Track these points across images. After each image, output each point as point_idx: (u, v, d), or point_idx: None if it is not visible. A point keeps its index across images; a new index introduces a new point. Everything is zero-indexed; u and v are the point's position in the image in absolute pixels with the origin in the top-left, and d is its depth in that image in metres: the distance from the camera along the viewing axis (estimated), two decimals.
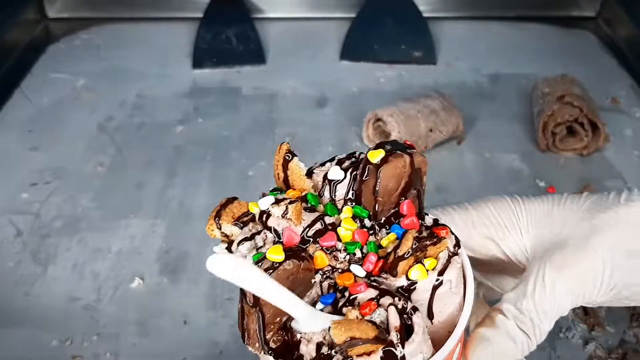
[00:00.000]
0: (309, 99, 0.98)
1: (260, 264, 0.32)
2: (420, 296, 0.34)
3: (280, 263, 0.31)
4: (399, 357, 0.30)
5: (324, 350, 0.31)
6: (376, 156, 0.35)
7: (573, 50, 1.08)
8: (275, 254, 0.32)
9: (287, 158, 0.37)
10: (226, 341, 0.62)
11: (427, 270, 0.34)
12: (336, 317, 0.32)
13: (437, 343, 0.35)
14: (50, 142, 0.89)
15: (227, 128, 0.92)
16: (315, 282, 0.35)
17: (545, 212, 0.42)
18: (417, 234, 0.33)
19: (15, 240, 0.74)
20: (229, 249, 0.36)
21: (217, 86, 1.01)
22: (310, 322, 0.31)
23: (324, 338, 0.31)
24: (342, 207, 0.37)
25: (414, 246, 0.32)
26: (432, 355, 0.33)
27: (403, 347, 0.31)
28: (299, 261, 0.32)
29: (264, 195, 0.38)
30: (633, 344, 0.60)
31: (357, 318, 0.31)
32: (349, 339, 0.29)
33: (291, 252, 0.32)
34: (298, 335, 0.32)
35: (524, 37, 1.12)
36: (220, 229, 0.36)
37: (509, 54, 1.07)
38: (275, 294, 0.30)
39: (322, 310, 0.33)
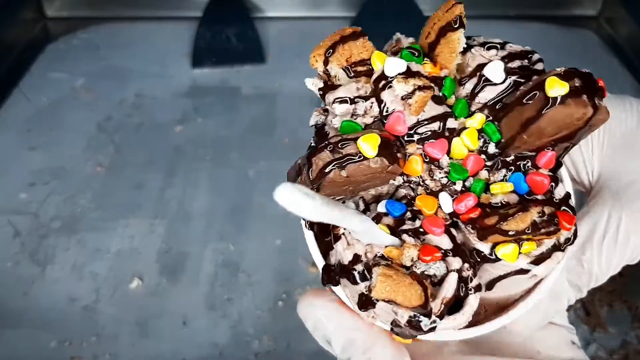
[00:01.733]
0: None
1: (343, 143, 0.26)
2: (493, 270, 0.29)
3: (367, 158, 0.26)
4: (424, 328, 0.26)
5: (358, 267, 0.26)
6: (556, 87, 0.26)
7: (574, 49, 1.07)
8: (368, 144, 0.26)
9: (453, 24, 0.29)
10: (226, 342, 0.62)
11: (520, 254, 0.27)
12: (390, 240, 0.27)
13: (480, 307, 0.30)
14: (49, 142, 0.89)
15: (227, 128, 0.91)
16: (393, 183, 0.29)
17: (625, 130, 0.34)
18: (539, 214, 0.26)
19: (14, 240, 0.74)
20: (323, 94, 0.30)
21: (217, 86, 1.01)
22: (362, 229, 0.26)
23: (365, 254, 0.27)
24: (475, 111, 0.29)
25: (527, 230, 0.26)
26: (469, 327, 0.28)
27: (439, 319, 0.26)
28: (390, 162, 0.26)
29: (398, 42, 0.30)
30: (635, 344, 0.60)
31: (414, 263, 0.26)
32: (387, 300, 0.25)
33: (386, 145, 0.26)
34: (341, 230, 0.28)
35: (525, 36, 1.11)
36: (326, 65, 0.29)
37: None
38: (339, 221, 0.25)
39: (382, 216, 0.28)
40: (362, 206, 0.29)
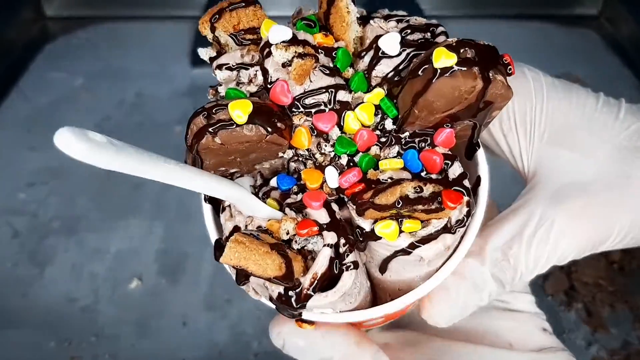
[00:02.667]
0: None
1: (217, 109, 0.26)
2: (377, 248, 0.28)
3: (239, 125, 0.25)
4: (294, 303, 0.25)
5: (234, 237, 0.25)
6: (442, 59, 0.24)
7: (575, 48, 1.07)
8: (239, 110, 0.25)
9: None
10: (225, 342, 0.62)
11: (401, 232, 0.26)
12: (268, 212, 0.27)
13: (384, 293, 0.30)
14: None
15: None
16: (283, 156, 0.28)
17: (569, 123, 0.32)
18: (415, 189, 0.25)
19: (13, 241, 0.73)
20: (213, 60, 0.29)
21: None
22: (238, 201, 0.27)
23: (246, 226, 0.27)
24: (374, 87, 0.28)
25: (397, 204, 0.25)
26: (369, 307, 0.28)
27: (311, 294, 0.25)
28: (267, 131, 0.25)
29: (299, 13, 0.30)
30: (636, 345, 0.60)
31: (293, 238, 0.26)
32: (235, 266, 0.24)
33: (263, 113, 0.25)
34: (226, 202, 0.28)
35: (526, 35, 1.11)
36: (213, 31, 0.29)
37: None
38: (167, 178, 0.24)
39: (272, 190, 0.28)
40: (259, 180, 0.29)
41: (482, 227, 0.32)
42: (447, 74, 0.25)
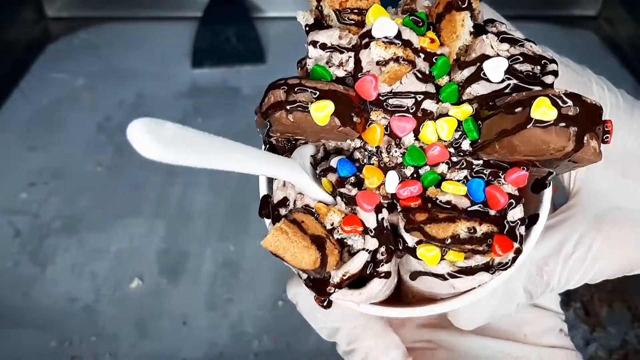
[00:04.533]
0: None
1: (299, 88, 0.25)
2: (413, 262, 0.28)
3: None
4: (318, 292, 0.26)
5: (281, 211, 0.27)
6: (542, 109, 0.23)
7: (574, 49, 1.07)
8: (322, 112, 0.24)
9: (461, 3, 0.26)
10: (226, 342, 0.62)
11: (442, 260, 0.26)
12: (322, 196, 0.27)
13: (409, 292, 0.31)
14: (49, 142, 0.89)
15: (227, 128, 0.91)
16: (350, 143, 0.28)
17: (627, 151, 0.32)
18: (469, 230, 0.25)
19: (14, 240, 0.74)
20: (311, 28, 0.28)
21: (217, 86, 1.01)
22: (303, 180, 0.27)
23: (294, 201, 0.27)
24: (465, 101, 0.27)
25: (446, 241, 0.25)
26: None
27: (337, 289, 0.26)
28: (341, 124, 0.25)
29: (410, 5, 0.28)
30: (634, 344, 0.60)
31: (335, 229, 0.27)
32: (274, 254, 0.25)
33: (343, 105, 0.25)
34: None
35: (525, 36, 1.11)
36: (319, 1, 0.27)
37: None
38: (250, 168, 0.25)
39: (331, 171, 0.28)
40: (321, 153, 0.29)
41: None
42: (541, 125, 0.23)
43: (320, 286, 0.26)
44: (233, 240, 0.73)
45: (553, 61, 0.27)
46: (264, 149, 0.31)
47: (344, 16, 0.27)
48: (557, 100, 0.23)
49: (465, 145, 0.27)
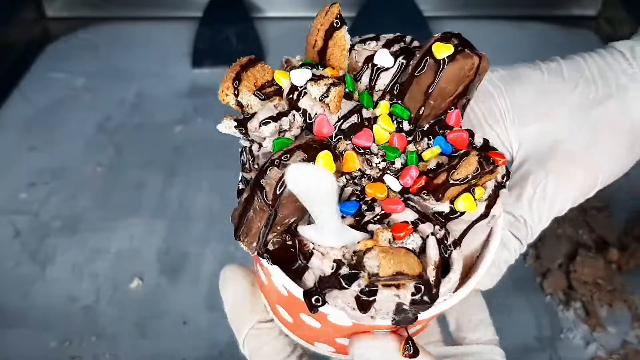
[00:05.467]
0: None
1: (286, 156, 0.26)
2: (457, 226, 0.29)
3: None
4: (429, 301, 0.26)
5: (343, 271, 0.26)
6: (442, 51, 0.29)
7: (574, 49, 1.06)
8: (323, 160, 0.26)
9: (336, 24, 0.30)
10: (226, 342, 0.62)
11: (476, 201, 0.28)
12: (362, 235, 0.27)
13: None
14: (49, 142, 0.89)
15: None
16: (337, 184, 0.29)
17: (531, 102, 0.37)
18: (478, 156, 0.27)
19: (14, 240, 0.74)
20: (240, 125, 0.30)
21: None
22: (332, 233, 0.26)
23: (344, 256, 0.26)
24: (378, 100, 0.31)
25: (476, 170, 0.27)
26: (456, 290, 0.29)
27: (438, 286, 0.26)
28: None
29: (288, 62, 0.32)
30: (635, 344, 0.60)
31: (391, 244, 0.27)
32: (395, 273, 0.25)
33: (315, 141, 0.27)
34: (310, 245, 0.27)
35: (524, 36, 1.11)
36: (237, 95, 0.30)
37: (510, 54, 1.06)
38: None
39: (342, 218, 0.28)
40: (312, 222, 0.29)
41: None
42: (451, 61, 0.29)
43: (426, 294, 0.26)
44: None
45: (406, 35, 0.33)
46: (259, 269, 0.31)
47: (263, 93, 0.29)
48: (445, 40, 0.29)
49: (406, 125, 0.31)
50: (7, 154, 0.87)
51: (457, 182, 0.27)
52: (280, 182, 0.25)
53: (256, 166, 0.30)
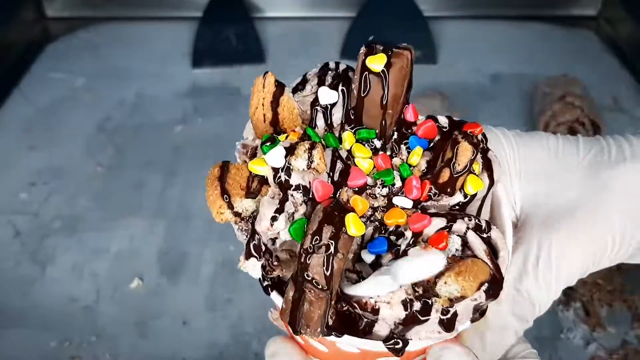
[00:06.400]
0: None
1: (318, 238, 0.25)
2: (472, 207, 0.30)
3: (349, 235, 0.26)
4: (503, 286, 0.27)
5: (416, 307, 0.26)
6: (379, 62, 0.29)
7: (574, 49, 1.07)
8: (355, 225, 0.26)
9: (279, 89, 0.30)
10: (226, 342, 0.62)
11: (478, 176, 0.29)
12: (419, 262, 0.27)
13: None
14: (49, 142, 0.89)
15: (227, 128, 0.91)
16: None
17: (541, 162, 0.36)
18: (461, 136, 0.29)
19: (14, 240, 0.74)
20: (253, 235, 0.29)
21: (217, 86, 1.01)
22: (377, 283, 0.26)
23: (407, 293, 0.26)
24: (341, 134, 0.31)
25: (473, 153, 0.28)
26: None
27: (500, 271, 0.27)
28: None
29: (245, 147, 0.31)
30: (635, 344, 0.60)
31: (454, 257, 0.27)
32: (479, 286, 0.25)
33: (335, 212, 0.27)
34: (371, 301, 0.27)
35: (524, 36, 1.11)
36: (232, 208, 0.29)
37: (509, 54, 1.07)
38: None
39: (376, 259, 0.28)
40: (354, 277, 0.29)
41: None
42: (391, 67, 0.29)
43: (497, 282, 0.27)
44: (233, 240, 0.73)
45: (327, 63, 0.34)
46: (313, 342, 0.31)
47: (252, 194, 0.29)
48: (371, 52, 0.30)
49: (378, 143, 0.31)
50: (7, 154, 0.87)
51: (462, 172, 0.28)
52: (328, 264, 0.25)
53: (276, 262, 0.30)
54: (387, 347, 0.27)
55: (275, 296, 0.30)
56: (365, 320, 0.27)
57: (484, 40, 1.11)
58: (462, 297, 0.25)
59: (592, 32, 1.13)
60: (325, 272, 0.25)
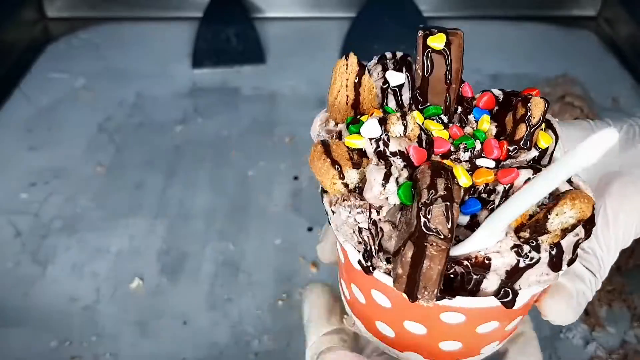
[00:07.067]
0: (309, 98, 0.98)
1: (433, 194, 0.26)
2: (545, 161, 0.32)
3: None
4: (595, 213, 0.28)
5: (526, 249, 0.27)
6: (439, 41, 0.31)
7: (574, 50, 1.08)
8: (462, 174, 0.28)
9: (362, 69, 0.32)
10: (226, 342, 0.62)
11: (546, 131, 0.31)
12: (512, 207, 0.26)
13: None
14: (49, 142, 0.89)
15: (227, 128, 0.91)
16: None
17: (579, 139, 0.36)
18: (531, 96, 0.30)
19: (15, 240, 0.74)
20: (361, 201, 0.29)
21: (217, 86, 1.01)
22: (483, 236, 0.27)
23: (516, 237, 0.27)
24: (409, 114, 0.32)
25: (544, 108, 0.30)
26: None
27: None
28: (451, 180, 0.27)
29: (329, 132, 0.32)
30: (634, 344, 0.60)
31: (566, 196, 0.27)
32: (593, 206, 0.26)
33: (435, 165, 0.28)
34: (481, 255, 0.28)
35: (524, 36, 1.11)
36: (343, 178, 0.29)
37: (509, 54, 1.07)
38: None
39: (471, 219, 0.29)
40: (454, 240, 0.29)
41: None
42: (450, 44, 0.31)
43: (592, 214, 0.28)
44: (233, 240, 0.73)
45: (395, 52, 0.35)
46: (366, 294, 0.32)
47: (356, 163, 0.29)
48: (431, 33, 0.31)
49: (445, 119, 0.33)
50: (7, 154, 0.87)
51: (537, 124, 0.29)
52: (448, 213, 0.26)
53: (381, 234, 0.30)
54: (500, 301, 0.28)
55: (379, 274, 0.30)
56: (475, 277, 0.28)
57: (484, 40, 1.11)
58: (579, 222, 0.26)
59: (592, 32, 1.13)
60: (447, 221, 0.26)
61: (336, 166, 0.28)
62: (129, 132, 0.91)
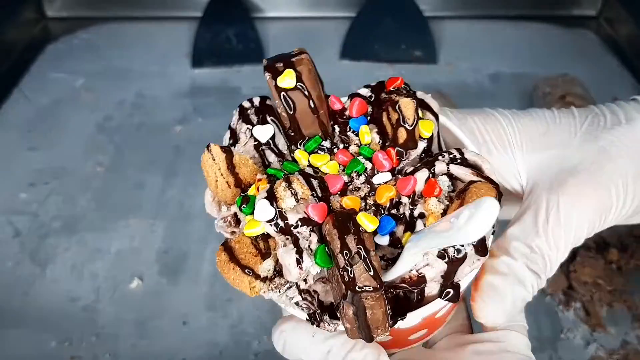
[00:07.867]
0: None
1: (354, 257, 0.26)
2: (434, 146, 0.33)
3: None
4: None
5: (451, 251, 0.28)
6: (290, 78, 0.32)
7: (574, 49, 1.07)
8: (367, 220, 0.28)
9: (228, 158, 0.32)
10: (226, 342, 0.62)
11: (424, 118, 0.32)
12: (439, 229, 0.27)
13: None
14: (49, 142, 0.89)
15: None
16: None
17: (541, 132, 0.38)
18: (404, 97, 0.31)
19: (14, 240, 0.74)
20: (300, 295, 0.30)
21: (217, 86, 1.01)
22: (409, 257, 0.28)
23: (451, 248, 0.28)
24: (292, 157, 0.33)
25: (415, 106, 0.30)
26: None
27: (494, 181, 0.30)
28: (353, 227, 0.28)
29: (225, 220, 0.32)
30: (635, 345, 0.60)
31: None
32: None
33: (343, 219, 0.28)
34: (414, 273, 0.29)
35: (525, 36, 1.11)
36: (259, 277, 0.29)
37: (509, 54, 1.07)
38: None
39: (391, 236, 0.29)
40: (384, 263, 0.30)
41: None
42: (302, 69, 0.33)
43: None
44: None
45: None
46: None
47: (265, 254, 0.29)
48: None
49: (327, 144, 0.34)
50: (7, 154, 0.87)
51: (414, 123, 0.30)
52: (369, 267, 0.26)
53: (316, 295, 0.30)
54: (445, 300, 0.29)
55: (329, 321, 0.31)
56: (416, 290, 0.29)
57: (483, 40, 1.11)
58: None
59: (592, 32, 1.13)
60: (371, 274, 0.26)
61: (247, 270, 0.29)
62: (129, 132, 0.91)
